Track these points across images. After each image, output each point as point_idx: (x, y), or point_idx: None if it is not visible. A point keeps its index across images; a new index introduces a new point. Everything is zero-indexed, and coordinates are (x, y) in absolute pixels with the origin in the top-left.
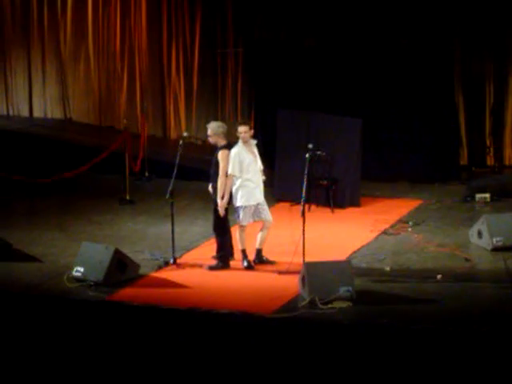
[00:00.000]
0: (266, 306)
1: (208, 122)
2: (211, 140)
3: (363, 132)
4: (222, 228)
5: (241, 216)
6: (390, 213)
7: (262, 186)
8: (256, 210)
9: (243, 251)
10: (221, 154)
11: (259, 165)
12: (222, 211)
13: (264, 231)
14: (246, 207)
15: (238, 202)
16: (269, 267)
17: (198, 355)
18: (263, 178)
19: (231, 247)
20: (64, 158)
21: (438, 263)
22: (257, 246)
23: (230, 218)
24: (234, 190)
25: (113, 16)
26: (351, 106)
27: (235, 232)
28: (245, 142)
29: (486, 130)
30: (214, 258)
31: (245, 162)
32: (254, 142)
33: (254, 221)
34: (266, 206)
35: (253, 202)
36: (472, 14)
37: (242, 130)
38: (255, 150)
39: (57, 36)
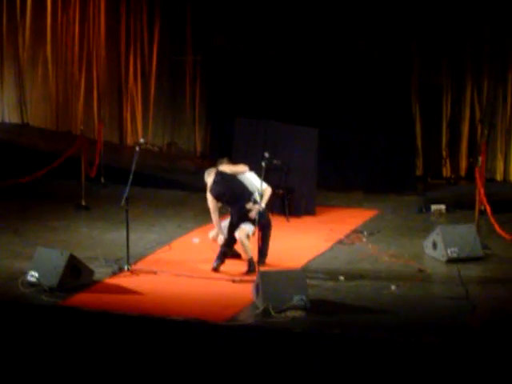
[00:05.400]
0: (220, 313)
1: (165, 129)
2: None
3: (319, 141)
4: None
5: None
6: (345, 222)
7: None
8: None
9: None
10: None
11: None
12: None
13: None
14: None
15: None
16: (223, 275)
17: (150, 362)
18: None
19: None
20: (20, 162)
21: (392, 274)
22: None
23: None
24: None
25: (71, 22)
26: (308, 115)
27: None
28: None
29: (442, 142)
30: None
31: None
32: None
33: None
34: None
35: None
36: (430, 26)
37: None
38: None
39: (15, 41)
